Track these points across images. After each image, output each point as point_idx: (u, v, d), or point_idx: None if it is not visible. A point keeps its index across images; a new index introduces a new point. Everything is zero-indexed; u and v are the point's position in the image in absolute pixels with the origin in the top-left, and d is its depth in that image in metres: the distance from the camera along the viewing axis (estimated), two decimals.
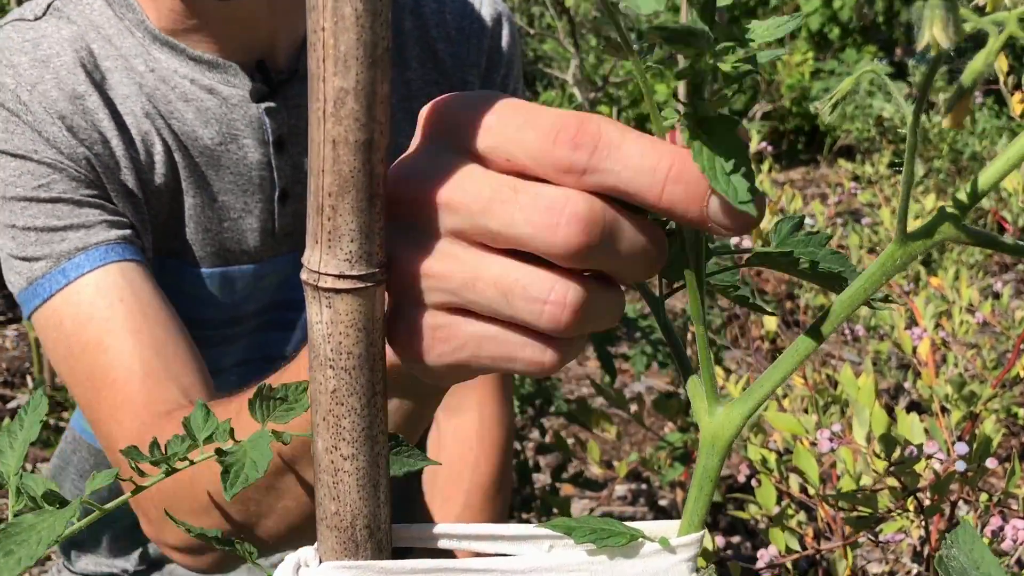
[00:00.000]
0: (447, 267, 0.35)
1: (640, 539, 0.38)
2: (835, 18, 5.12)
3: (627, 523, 0.39)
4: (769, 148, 1.60)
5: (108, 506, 0.41)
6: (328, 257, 0.34)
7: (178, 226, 0.83)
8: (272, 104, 0.81)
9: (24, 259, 0.75)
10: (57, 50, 0.78)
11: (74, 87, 0.77)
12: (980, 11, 0.29)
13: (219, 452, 0.43)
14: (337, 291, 0.34)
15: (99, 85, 0.78)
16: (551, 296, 0.34)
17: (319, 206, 0.34)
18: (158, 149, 0.81)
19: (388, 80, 0.33)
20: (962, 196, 0.35)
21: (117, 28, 0.80)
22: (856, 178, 3.38)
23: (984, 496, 0.81)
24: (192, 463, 0.42)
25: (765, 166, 1.60)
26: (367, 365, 0.36)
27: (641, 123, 4.47)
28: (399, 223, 0.35)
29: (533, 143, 0.33)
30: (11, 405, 2.25)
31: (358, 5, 0.31)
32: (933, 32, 0.27)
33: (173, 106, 0.80)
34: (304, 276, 0.35)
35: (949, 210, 0.35)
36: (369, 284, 0.35)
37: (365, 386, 0.36)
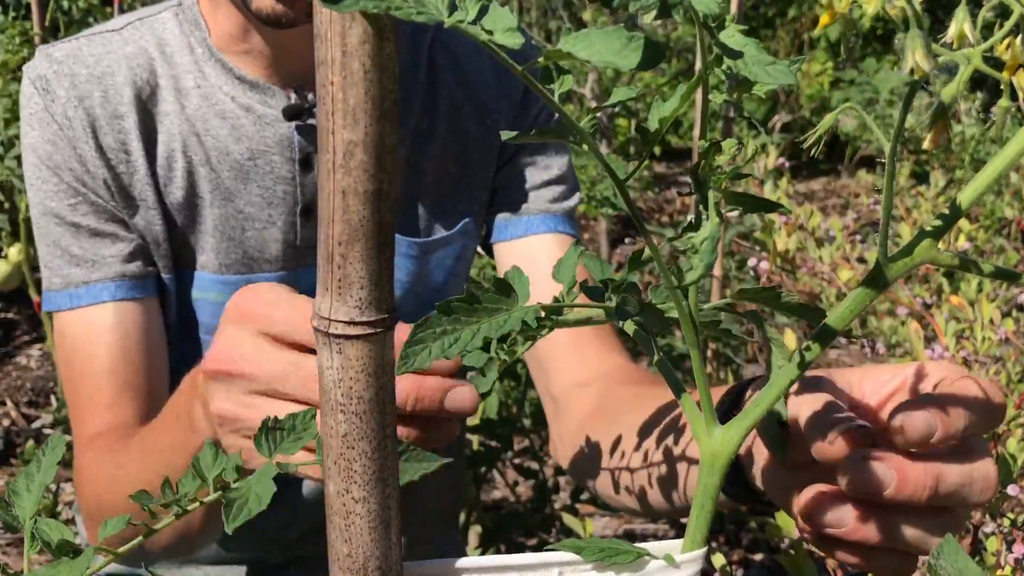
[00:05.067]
0: (250, 415, 0.54)
1: (646, 557, 0.40)
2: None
3: (635, 543, 0.41)
4: (787, 164, 1.60)
5: (121, 550, 0.41)
6: (338, 304, 0.35)
7: (201, 237, 0.88)
8: (302, 122, 0.86)
9: (47, 267, 0.86)
10: (114, 68, 0.85)
11: (116, 107, 0.84)
12: (949, 46, 0.30)
13: (223, 488, 0.44)
14: (348, 337, 0.35)
15: (143, 105, 0.85)
16: None
17: (329, 254, 0.34)
18: (180, 166, 0.86)
19: (396, 131, 0.33)
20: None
21: (180, 45, 0.86)
22: (877, 190, 3.35)
23: (1007, 520, 0.80)
24: (202, 503, 0.42)
25: (783, 182, 1.60)
26: (377, 409, 0.36)
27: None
28: (220, 383, 0.54)
29: (303, 328, 0.52)
30: (35, 424, 2.27)
31: (366, 60, 0.32)
32: (916, 58, 0.28)
33: (209, 123, 0.86)
34: (315, 323, 0.35)
35: (928, 230, 0.35)
36: (379, 330, 0.35)
37: (376, 430, 0.36)
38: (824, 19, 0.29)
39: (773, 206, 0.37)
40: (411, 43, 0.92)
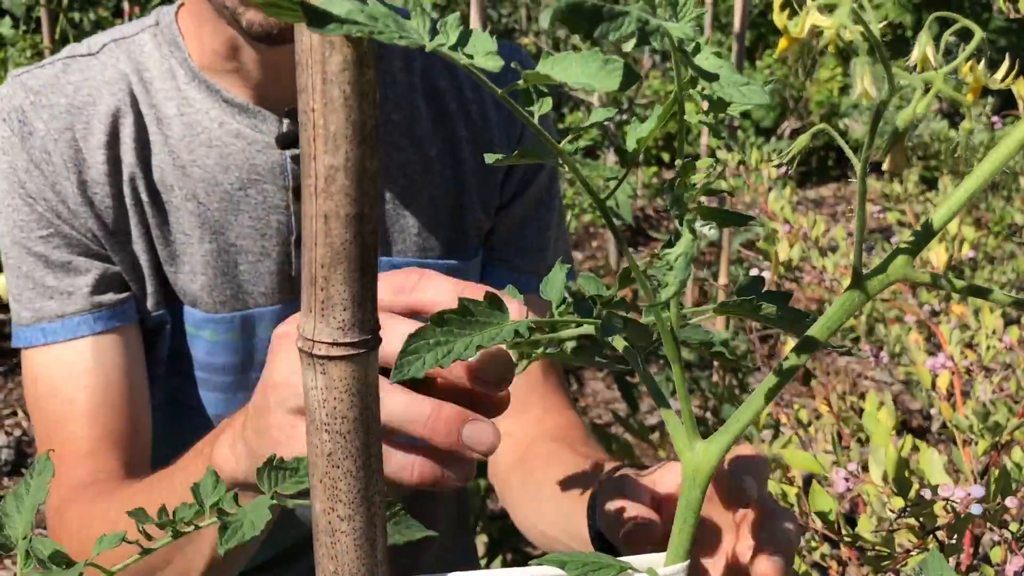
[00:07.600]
0: None
1: (629, 571, 0.41)
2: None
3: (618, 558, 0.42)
4: (790, 172, 1.60)
5: (115, 568, 0.42)
6: (322, 325, 0.35)
7: (190, 275, 0.83)
8: (297, 151, 0.81)
9: (16, 300, 0.81)
10: (95, 97, 0.80)
11: (99, 138, 0.79)
12: (913, 69, 0.31)
13: (220, 513, 0.44)
14: (331, 358, 0.35)
15: (125, 137, 0.80)
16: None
17: (312, 277, 0.35)
18: (163, 201, 0.82)
19: (376, 156, 0.34)
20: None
21: (160, 70, 0.81)
22: (886, 196, 3.34)
23: (1008, 533, 0.79)
24: (198, 527, 0.43)
25: (787, 191, 1.60)
26: (362, 428, 0.37)
27: (669, 141, 4.48)
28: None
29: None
30: None
31: (346, 88, 0.32)
32: (864, 85, 0.29)
33: (195, 153, 0.81)
34: (299, 344, 0.36)
35: (903, 247, 0.36)
36: (362, 351, 0.36)
37: (360, 449, 0.37)
38: (782, 44, 0.29)
39: (745, 219, 0.38)
40: (405, 64, 0.87)
